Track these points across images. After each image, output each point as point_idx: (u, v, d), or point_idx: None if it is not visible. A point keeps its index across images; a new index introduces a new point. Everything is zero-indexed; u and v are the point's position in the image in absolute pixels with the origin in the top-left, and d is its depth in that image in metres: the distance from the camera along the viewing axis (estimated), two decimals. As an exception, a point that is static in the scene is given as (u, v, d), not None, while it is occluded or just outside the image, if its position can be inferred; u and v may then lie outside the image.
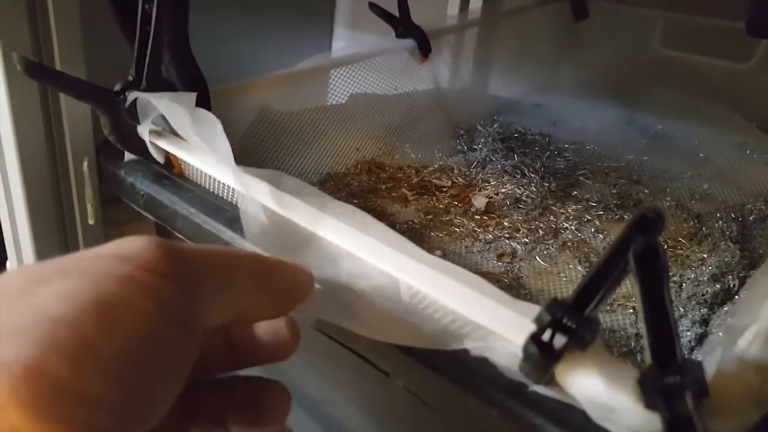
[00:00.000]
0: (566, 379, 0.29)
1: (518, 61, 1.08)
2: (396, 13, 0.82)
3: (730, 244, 0.61)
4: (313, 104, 0.74)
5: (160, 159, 0.53)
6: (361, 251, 0.38)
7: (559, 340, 0.27)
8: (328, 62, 0.75)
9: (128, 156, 0.56)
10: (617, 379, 0.27)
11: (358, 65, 0.77)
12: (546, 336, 0.28)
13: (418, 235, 0.64)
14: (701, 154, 0.84)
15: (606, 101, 1.00)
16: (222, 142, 0.44)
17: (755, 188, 0.75)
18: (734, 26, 0.88)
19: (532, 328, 0.29)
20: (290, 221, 0.41)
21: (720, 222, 0.66)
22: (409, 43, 0.84)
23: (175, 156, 0.53)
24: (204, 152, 0.47)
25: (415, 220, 0.67)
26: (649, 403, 0.25)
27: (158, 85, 0.49)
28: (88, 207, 0.58)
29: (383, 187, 0.73)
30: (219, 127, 0.45)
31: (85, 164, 0.58)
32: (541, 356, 0.27)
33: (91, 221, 0.60)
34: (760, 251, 0.62)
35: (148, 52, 0.47)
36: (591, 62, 1.10)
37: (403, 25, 0.82)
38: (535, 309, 0.31)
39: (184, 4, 0.51)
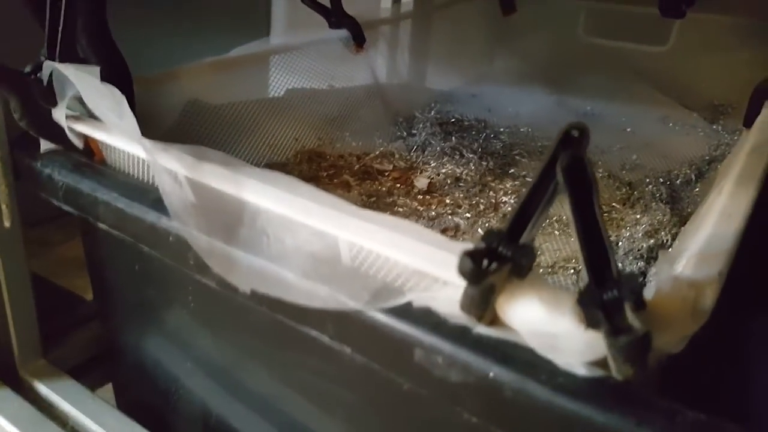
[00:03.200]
0: (507, 312, 0.28)
1: (453, 53, 1.09)
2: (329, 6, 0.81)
3: (661, 205, 0.62)
4: (246, 93, 0.71)
5: (79, 145, 0.49)
6: (295, 213, 0.36)
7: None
8: (261, 50, 0.73)
9: (45, 147, 0.52)
10: (557, 303, 0.26)
11: (292, 53, 0.76)
12: (483, 266, 0.27)
13: (361, 216, 0.63)
14: (628, 129, 0.87)
15: (537, 88, 1.01)
16: (127, 113, 0.42)
17: (679, 156, 0.77)
18: (651, 12, 0.91)
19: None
20: (215, 190, 0.38)
21: (650, 186, 0.68)
22: (343, 33, 0.83)
23: (94, 141, 0.49)
24: (116, 128, 0.44)
25: (359, 204, 0.65)
26: (590, 321, 0.24)
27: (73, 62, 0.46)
28: (3, 207, 0.54)
29: (324, 174, 0.71)
30: (123, 100, 0.42)
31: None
32: (480, 277, 0.26)
33: (6, 224, 0.55)
34: (689, 210, 0.63)
35: (60, 27, 0.44)
36: (522, 52, 1.12)
37: (335, 15, 0.81)
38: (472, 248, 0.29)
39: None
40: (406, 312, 0.32)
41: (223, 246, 0.37)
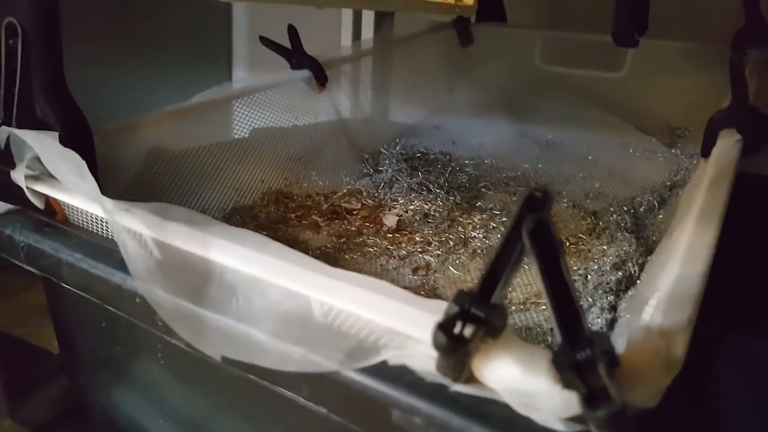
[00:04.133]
0: (483, 371, 0.28)
1: (414, 86, 1.10)
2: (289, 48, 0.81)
3: (627, 234, 0.64)
4: (210, 139, 0.70)
5: (40, 205, 0.48)
6: (264, 272, 0.35)
7: (470, 331, 0.26)
8: (224, 94, 0.72)
9: (3, 207, 0.51)
10: (531, 363, 0.26)
11: (255, 95, 0.75)
12: (457, 329, 0.27)
13: (332, 258, 0.62)
14: (590, 157, 0.89)
15: (499, 118, 1.03)
16: (87, 177, 0.41)
17: (640, 182, 0.79)
18: (605, 40, 0.94)
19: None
20: (180, 251, 0.37)
21: (614, 215, 0.69)
22: (305, 73, 0.83)
23: (56, 200, 0.48)
24: (77, 190, 0.43)
25: (329, 245, 0.65)
26: (565, 381, 0.24)
27: (31, 124, 0.45)
28: (-39, 267, 0.52)
29: (293, 216, 0.71)
30: (83, 164, 0.42)
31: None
32: (454, 348, 0.26)
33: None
34: (654, 238, 0.64)
35: (16, 89, 0.43)
36: (482, 83, 1.14)
37: (296, 56, 0.82)
38: (444, 306, 0.29)
39: (54, 38, 0.47)
40: (381, 371, 0.32)
41: (191, 308, 0.36)
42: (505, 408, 0.28)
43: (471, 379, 0.30)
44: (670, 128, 0.99)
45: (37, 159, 0.46)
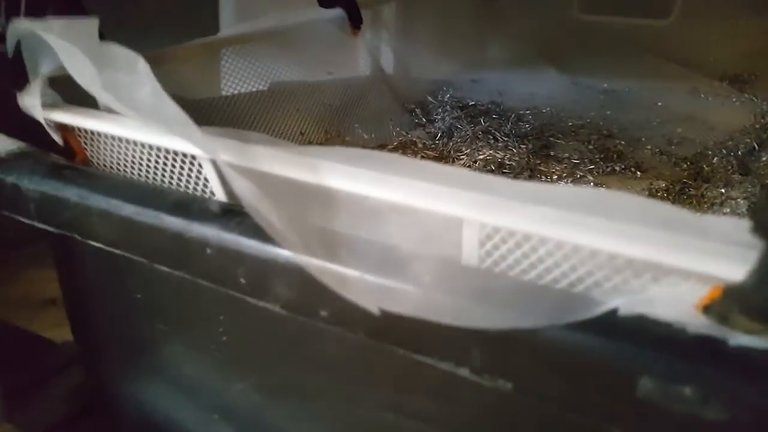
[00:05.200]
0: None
1: (444, 40, 1.00)
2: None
3: (740, 176, 0.55)
4: (228, 87, 0.60)
5: (59, 140, 0.37)
6: (417, 197, 0.25)
7: None
8: (237, 33, 0.61)
9: (3, 149, 0.39)
10: None
11: (280, 37, 0.64)
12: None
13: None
14: (659, 103, 0.80)
15: (544, 69, 0.94)
16: (159, 93, 0.30)
17: (726, 127, 0.71)
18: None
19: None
20: (309, 185, 0.27)
21: (716, 159, 0.60)
22: (338, 13, 0.72)
23: (74, 136, 0.37)
24: (131, 114, 0.32)
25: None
26: None
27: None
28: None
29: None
30: (147, 68, 0.30)
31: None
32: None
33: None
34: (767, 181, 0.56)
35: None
36: (517, 37, 1.04)
37: (330, -9, 0.71)
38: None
39: None
40: (609, 326, 0.22)
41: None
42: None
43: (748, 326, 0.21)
44: (729, 75, 0.91)
45: (48, 80, 0.35)
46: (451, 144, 0.64)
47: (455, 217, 0.25)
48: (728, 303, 0.20)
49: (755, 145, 0.63)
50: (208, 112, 0.57)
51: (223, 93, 0.62)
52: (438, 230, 0.25)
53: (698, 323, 0.21)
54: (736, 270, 0.20)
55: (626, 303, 0.22)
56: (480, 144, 0.63)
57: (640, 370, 0.21)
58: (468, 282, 0.24)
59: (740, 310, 0.19)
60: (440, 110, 0.70)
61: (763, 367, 0.20)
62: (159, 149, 0.32)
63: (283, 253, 0.26)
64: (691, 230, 0.21)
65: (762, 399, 0.19)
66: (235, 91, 0.63)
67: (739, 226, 0.20)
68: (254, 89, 0.64)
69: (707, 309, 0.21)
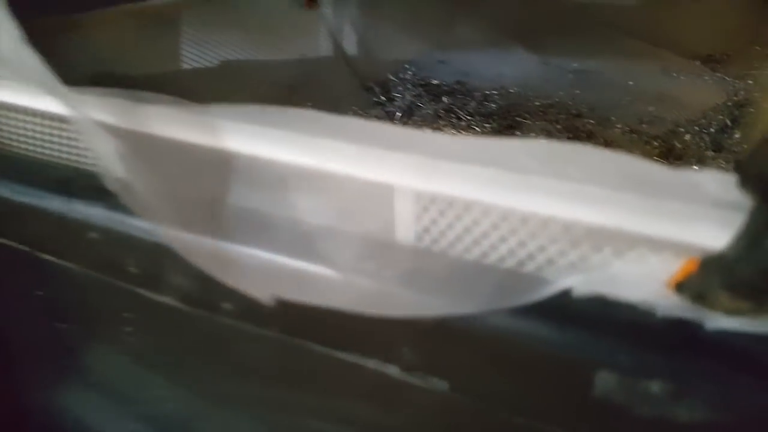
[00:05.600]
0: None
1: (407, 18, 0.96)
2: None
3: (714, 153, 0.52)
4: (157, 61, 0.55)
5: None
6: (335, 160, 0.20)
7: None
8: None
9: None
10: None
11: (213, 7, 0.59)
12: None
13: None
14: (630, 82, 0.77)
15: (513, 49, 0.90)
16: (26, 53, 0.25)
17: (699, 105, 0.68)
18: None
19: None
20: (199, 147, 0.22)
21: (688, 136, 0.57)
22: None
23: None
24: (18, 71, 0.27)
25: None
26: None
27: None
28: None
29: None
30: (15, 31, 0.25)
31: None
32: None
33: None
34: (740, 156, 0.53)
35: None
36: (486, 16, 1.00)
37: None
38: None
39: None
40: (560, 311, 0.18)
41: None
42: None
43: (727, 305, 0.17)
44: (702, 56, 0.88)
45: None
46: (410, 123, 0.60)
47: (384, 184, 0.21)
48: (707, 278, 0.16)
49: (728, 123, 0.60)
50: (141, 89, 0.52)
51: (158, 69, 0.57)
52: (362, 202, 0.21)
53: (669, 304, 0.17)
54: (716, 236, 0.16)
55: (582, 282, 0.18)
56: (442, 123, 0.59)
57: (598, 363, 0.17)
58: (392, 263, 0.20)
59: (721, 285, 0.15)
60: (400, 88, 0.66)
61: (747, 356, 0.16)
62: (33, 113, 0.27)
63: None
64: (662, 189, 0.17)
65: (747, 395, 0.16)
66: (173, 67, 0.58)
67: (721, 181, 0.16)
68: (196, 65, 0.59)
69: (681, 286, 0.17)
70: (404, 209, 0.21)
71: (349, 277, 0.19)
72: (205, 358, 0.32)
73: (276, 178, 0.20)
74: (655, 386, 0.16)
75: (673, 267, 0.17)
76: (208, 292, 0.23)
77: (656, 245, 0.17)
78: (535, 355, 0.18)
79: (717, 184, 0.16)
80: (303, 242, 0.20)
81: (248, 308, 0.22)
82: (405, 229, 0.21)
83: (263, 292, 0.19)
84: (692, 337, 0.16)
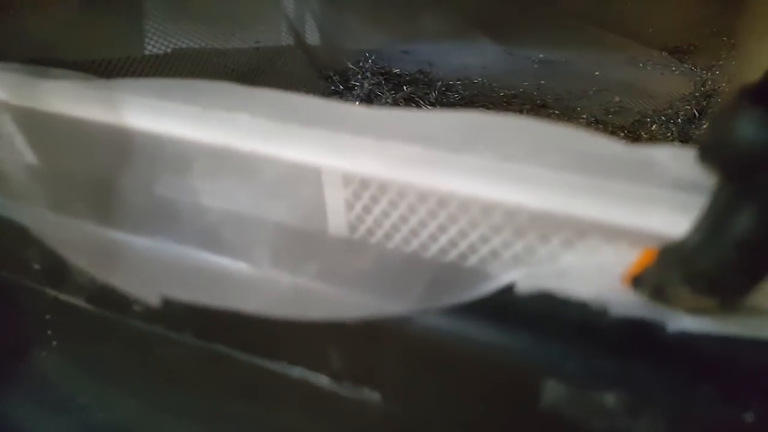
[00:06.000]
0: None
1: (374, 8, 0.93)
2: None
3: (679, 143, 0.50)
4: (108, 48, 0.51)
5: None
6: (251, 137, 0.18)
7: None
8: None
9: None
10: None
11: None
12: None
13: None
14: (597, 72, 0.75)
15: (477, 40, 0.88)
16: None
17: (666, 95, 0.67)
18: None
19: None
20: (95, 124, 0.19)
21: (654, 126, 0.56)
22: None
23: None
24: None
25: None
26: None
27: None
28: None
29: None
30: None
31: None
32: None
33: None
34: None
35: None
36: (451, 6, 0.98)
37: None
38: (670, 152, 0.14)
39: None
40: (502, 309, 0.16)
41: (94, 225, 0.19)
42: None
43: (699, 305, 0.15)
44: (669, 47, 0.87)
45: None
46: (368, 112, 0.57)
47: (310, 166, 0.18)
48: (665, 270, 0.14)
49: (695, 113, 0.59)
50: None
51: (103, 56, 0.53)
52: (281, 185, 0.18)
53: (625, 301, 0.15)
54: (676, 222, 0.14)
55: (526, 277, 0.15)
56: (401, 112, 0.57)
57: (545, 371, 0.15)
58: (316, 259, 0.17)
59: (683, 279, 0.13)
60: (360, 77, 0.63)
61: (713, 362, 0.14)
62: None
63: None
64: (615, 169, 0.14)
65: (711, 408, 0.14)
66: (120, 54, 0.54)
67: (680, 158, 0.14)
68: (146, 53, 0.56)
69: (637, 281, 0.15)
70: (332, 194, 0.18)
71: (264, 272, 0.17)
72: (128, 364, 0.29)
73: (179, 158, 0.17)
74: (609, 398, 0.14)
75: (629, 259, 0.15)
76: (113, 291, 0.20)
77: (609, 233, 0.15)
78: (476, 362, 0.16)
79: (675, 161, 0.14)
80: (208, 232, 0.17)
81: (159, 310, 0.20)
82: (334, 217, 0.19)
83: (151, 291, 0.16)
84: (650, 340, 0.14)
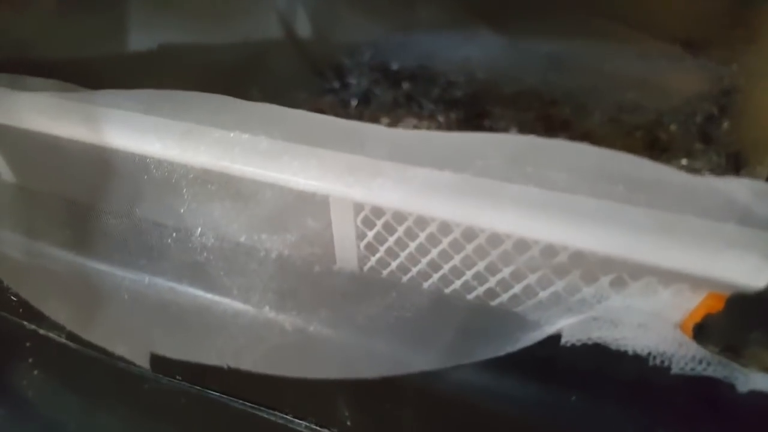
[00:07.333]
0: None
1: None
2: None
3: (703, 145, 0.49)
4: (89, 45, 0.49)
5: None
6: (246, 159, 0.16)
7: None
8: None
9: None
10: None
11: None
12: None
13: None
14: (606, 67, 0.74)
15: (480, 32, 0.87)
16: None
17: (683, 92, 0.65)
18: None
19: None
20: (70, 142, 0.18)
21: (674, 126, 0.54)
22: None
23: None
24: None
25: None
26: None
27: None
28: None
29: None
30: None
31: None
32: None
33: None
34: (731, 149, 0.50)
35: None
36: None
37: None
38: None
39: None
40: (545, 365, 0.14)
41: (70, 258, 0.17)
42: None
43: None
44: (682, 40, 0.86)
45: None
46: (366, 112, 0.56)
47: (316, 192, 0.17)
48: (739, 323, 0.12)
49: (714, 111, 0.58)
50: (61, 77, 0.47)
51: (85, 53, 0.51)
52: (284, 213, 0.17)
53: (688, 355, 0.13)
54: (752, 266, 0.12)
55: (574, 325, 0.14)
56: (402, 112, 0.55)
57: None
58: (318, 295, 0.15)
59: (763, 336, 0.12)
60: (356, 73, 0.62)
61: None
62: None
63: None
64: (675, 200, 0.13)
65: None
66: (104, 52, 0.52)
67: (756, 191, 0.12)
68: (130, 50, 0.54)
69: (701, 331, 0.13)
70: (342, 223, 0.17)
71: (265, 315, 0.15)
72: (112, 395, 0.27)
73: (166, 181, 0.16)
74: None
75: (689, 304, 0.14)
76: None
77: (667, 276, 0.13)
78: (515, 427, 0.14)
79: (749, 194, 0.13)
80: (199, 269, 0.15)
81: (146, 351, 0.18)
82: (344, 250, 0.17)
83: (137, 349, 0.14)
84: (718, 401, 0.13)
